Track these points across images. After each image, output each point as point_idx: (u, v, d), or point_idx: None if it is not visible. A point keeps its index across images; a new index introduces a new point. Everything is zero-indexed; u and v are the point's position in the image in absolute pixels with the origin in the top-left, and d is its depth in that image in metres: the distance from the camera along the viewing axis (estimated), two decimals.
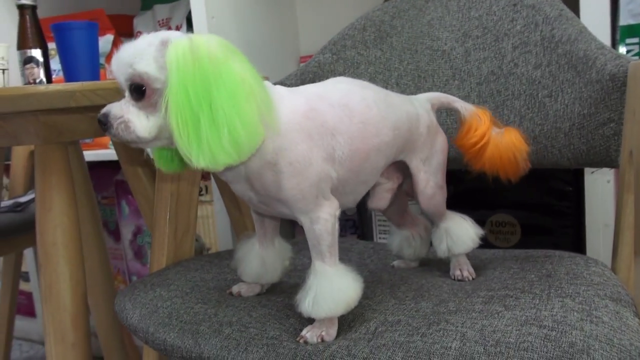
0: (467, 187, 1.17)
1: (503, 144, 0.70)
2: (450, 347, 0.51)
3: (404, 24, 0.98)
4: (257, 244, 0.69)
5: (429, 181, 0.70)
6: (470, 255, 0.80)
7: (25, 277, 1.86)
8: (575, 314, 0.55)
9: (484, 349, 0.50)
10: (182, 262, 0.85)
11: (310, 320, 0.58)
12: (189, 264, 0.84)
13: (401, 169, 0.73)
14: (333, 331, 0.58)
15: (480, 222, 1.18)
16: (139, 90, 0.53)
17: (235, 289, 0.71)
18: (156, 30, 1.66)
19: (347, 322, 0.60)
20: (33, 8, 1.07)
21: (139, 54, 0.53)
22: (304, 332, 0.57)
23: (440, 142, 0.72)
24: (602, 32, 0.95)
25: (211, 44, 0.52)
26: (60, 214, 0.84)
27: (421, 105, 0.72)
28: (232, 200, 1.08)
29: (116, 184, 1.72)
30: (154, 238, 0.86)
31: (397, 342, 0.53)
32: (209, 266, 0.83)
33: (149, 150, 0.63)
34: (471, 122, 0.71)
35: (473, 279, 0.73)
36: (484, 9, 0.91)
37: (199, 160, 0.50)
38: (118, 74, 0.55)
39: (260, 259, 0.69)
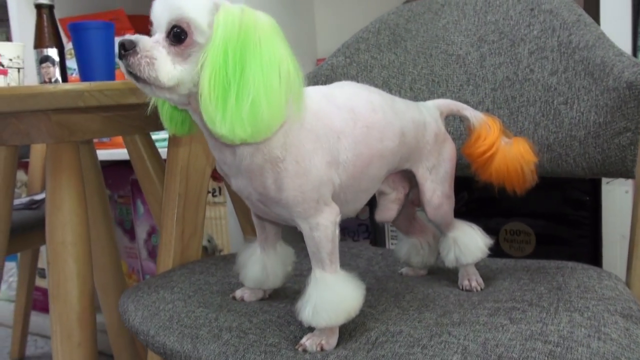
0: (482, 195, 1.15)
1: (510, 155, 0.68)
2: None
3: (418, 28, 0.97)
4: (259, 249, 0.69)
5: (436, 190, 0.68)
6: (480, 265, 0.78)
7: (42, 274, 1.88)
8: (582, 329, 0.53)
9: None
10: (188, 264, 0.85)
11: (311, 328, 0.57)
12: (195, 266, 0.83)
13: (407, 178, 0.71)
14: (333, 340, 0.56)
15: (494, 230, 1.16)
16: (179, 37, 0.52)
17: (238, 293, 0.71)
18: None
19: (348, 330, 0.59)
20: (50, 8, 1.09)
21: (194, 3, 0.52)
22: (303, 340, 0.56)
23: (448, 150, 0.70)
24: (623, 38, 0.92)
25: (261, 18, 0.52)
26: (70, 212, 0.84)
27: (429, 113, 0.70)
28: (241, 205, 1.08)
29: (132, 183, 1.73)
30: (161, 239, 0.86)
31: (396, 354, 0.52)
32: (214, 269, 0.82)
33: (161, 114, 0.62)
34: (480, 130, 0.70)
35: (482, 289, 0.71)
36: (500, 14, 0.89)
37: (221, 127, 0.50)
38: (162, 13, 0.53)
39: (262, 264, 0.68)
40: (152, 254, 1.73)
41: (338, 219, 0.57)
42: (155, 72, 0.51)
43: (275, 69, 0.50)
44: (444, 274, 0.78)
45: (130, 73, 0.52)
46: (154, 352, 0.63)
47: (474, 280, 0.71)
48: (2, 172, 1.25)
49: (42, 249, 1.73)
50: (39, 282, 1.90)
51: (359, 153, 0.59)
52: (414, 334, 0.56)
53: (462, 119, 0.75)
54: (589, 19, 0.81)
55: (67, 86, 0.74)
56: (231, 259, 0.87)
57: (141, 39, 0.52)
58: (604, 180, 0.95)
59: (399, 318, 0.61)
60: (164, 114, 0.62)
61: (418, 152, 0.67)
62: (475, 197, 1.15)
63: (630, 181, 0.92)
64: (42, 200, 1.40)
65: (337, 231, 0.57)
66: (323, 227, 0.56)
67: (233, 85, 0.49)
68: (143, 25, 1.75)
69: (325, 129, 0.57)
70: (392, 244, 1.30)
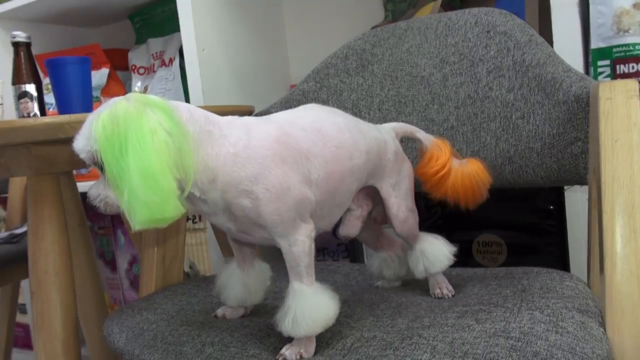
0: (454, 208, 1.19)
1: (466, 173, 0.73)
2: (421, 359, 0.53)
3: (384, 52, 1.02)
4: (238, 269, 0.72)
5: (401, 206, 0.72)
6: (452, 275, 0.82)
7: (23, 309, 1.87)
8: (542, 325, 0.57)
9: None
10: (170, 286, 0.87)
11: (289, 339, 0.60)
12: (177, 288, 0.86)
13: (370, 195, 0.75)
14: (311, 349, 0.59)
15: (467, 242, 1.20)
16: (102, 167, 0.54)
17: (220, 311, 0.73)
18: (150, 63, 1.70)
19: (325, 339, 0.62)
20: (27, 45, 1.12)
21: (88, 134, 0.54)
22: (283, 350, 0.59)
23: (407, 168, 0.74)
24: (574, 55, 0.98)
25: (129, 104, 0.53)
26: (52, 242, 0.86)
27: (387, 133, 0.74)
28: (220, 230, 1.10)
29: (112, 214, 1.74)
30: (143, 264, 0.88)
31: (370, 357, 0.55)
32: (196, 290, 0.85)
33: None
34: (432, 151, 0.74)
35: (452, 295, 0.74)
36: (459, 36, 0.95)
37: (132, 223, 0.51)
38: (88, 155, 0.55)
39: (243, 283, 0.71)
40: (134, 284, 1.74)
41: (313, 234, 0.60)
42: (114, 206, 0.55)
43: (148, 144, 0.51)
44: (417, 284, 0.81)
45: None
46: None
47: (445, 288, 0.75)
48: None
49: (23, 283, 1.73)
50: (20, 318, 1.89)
51: (330, 171, 0.63)
52: (387, 338, 0.59)
53: (415, 141, 0.80)
54: (540, 39, 0.87)
55: (47, 119, 0.77)
56: (212, 279, 0.89)
57: (91, 189, 0.56)
58: (565, 188, 1.00)
59: (373, 325, 0.64)
60: None
61: (381, 169, 0.71)
62: (448, 211, 1.19)
63: None
64: (23, 234, 1.41)
65: (313, 245, 0.60)
66: (301, 242, 0.59)
67: (119, 184, 0.51)
68: (118, 58, 1.79)
69: (292, 150, 0.60)
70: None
